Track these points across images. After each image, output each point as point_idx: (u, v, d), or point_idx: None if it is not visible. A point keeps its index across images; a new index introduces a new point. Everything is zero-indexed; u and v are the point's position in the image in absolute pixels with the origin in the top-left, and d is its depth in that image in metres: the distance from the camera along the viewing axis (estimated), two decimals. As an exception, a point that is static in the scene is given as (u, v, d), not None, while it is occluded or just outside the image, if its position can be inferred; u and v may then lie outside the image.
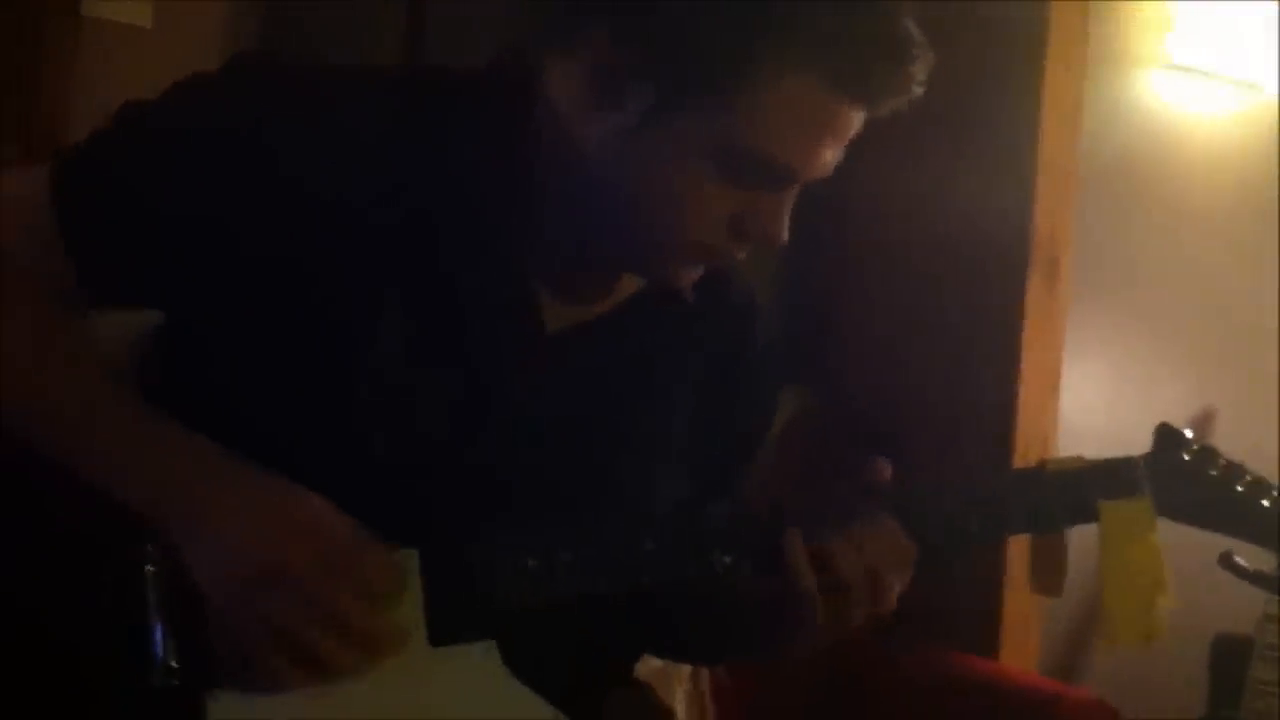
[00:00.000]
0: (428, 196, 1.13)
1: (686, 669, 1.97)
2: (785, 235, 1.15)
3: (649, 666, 1.39)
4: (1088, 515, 1.17)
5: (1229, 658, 2.37)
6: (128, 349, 1.25)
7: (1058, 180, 2.52)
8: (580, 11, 1.12)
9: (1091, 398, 2.58)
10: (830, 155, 1.13)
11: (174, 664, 1.05)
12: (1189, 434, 1.22)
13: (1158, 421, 1.22)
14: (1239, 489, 1.21)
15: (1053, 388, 2.52)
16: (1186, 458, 1.21)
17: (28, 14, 2.23)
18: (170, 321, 1.17)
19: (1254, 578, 2.21)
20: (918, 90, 1.11)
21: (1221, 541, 1.40)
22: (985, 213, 2.54)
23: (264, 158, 1.10)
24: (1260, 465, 1.25)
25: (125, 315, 1.19)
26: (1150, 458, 1.20)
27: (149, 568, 1.06)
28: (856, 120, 1.12)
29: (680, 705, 1.88)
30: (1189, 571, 1.28)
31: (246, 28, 2.46)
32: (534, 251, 1.16)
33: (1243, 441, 1.42)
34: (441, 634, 1.08)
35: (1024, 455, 2.44)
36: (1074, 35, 2.53)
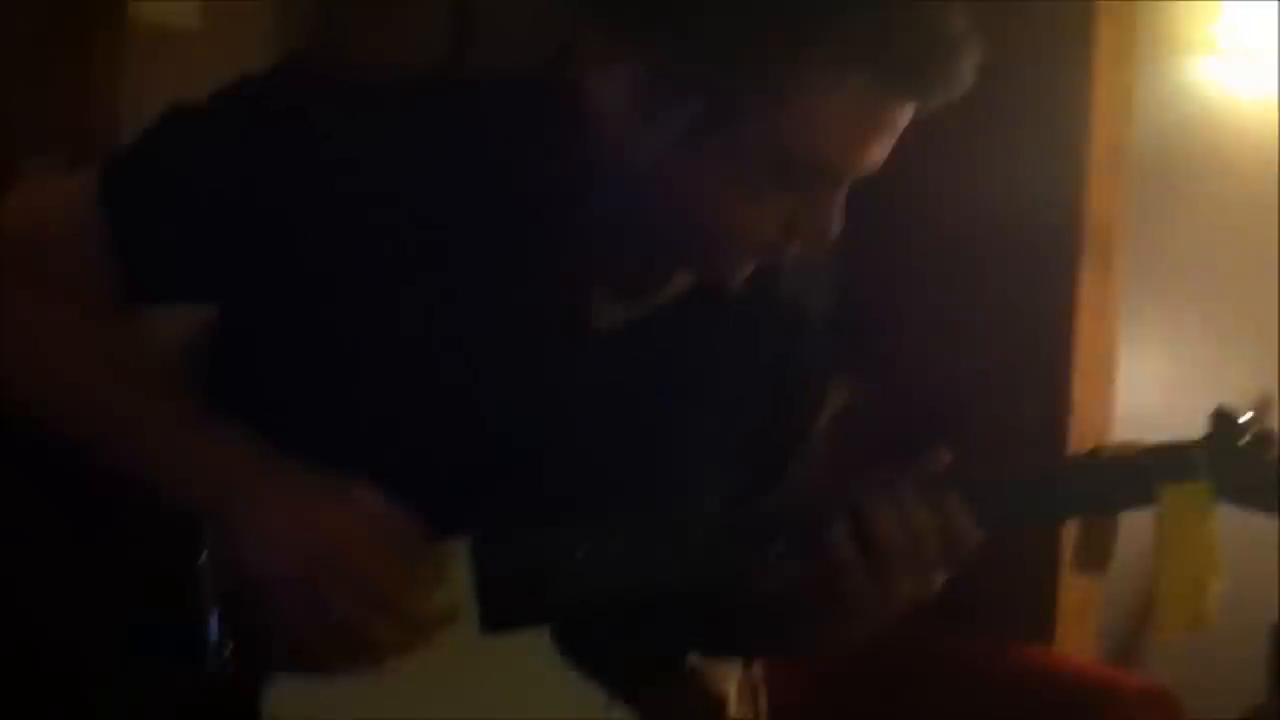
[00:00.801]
0: (476, 196, 1.14)
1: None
2: (835, 233, 1.14)
3: (702, 654, 1.39)
4: (1146, 499, 1.16)
5: (1290, 645, 2.35)
6: (179, 349, 1.26)
7: (1109, 167, 2.50)
8: (626, 21, 1.12)
9: (1146, 386, 2.55)
10: (879, 152, 1.12)
11: (228, 652, 1.06)
12: (1247, 417, 1.20)
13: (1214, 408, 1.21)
14: (1299, 473, 1.20)
15: (1107, 376, 2.50)
16: (1245, 441, 1.20)
17: (76, 19, 2.26)
18: (221, 319, 1.17)
19: (1315, 564, 2.18)
20: (967, 84, 1.11)
21: (1282, 526, 1.38)
22: (1037, 201, 2.53)
23: (311, 157, 1.10)
24: (1320, 449, 1.23)
25: (176, 314, 1.20)
26: (1208, 441, 1.19)
27: (202, 557, 1.07)
28: (906, 116, 1.12)
29: (733, 693, 1.88)
30: (1248, 558, 1.26)
31: (294, 31, 2.48)
32: (584, 253, 1.16)
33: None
34: (493, 620, 1.09)
35: (1078, 445, 2.42)
36: (1123, 22, 2.51)
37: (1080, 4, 2.48)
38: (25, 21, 2.28)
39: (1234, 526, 1.19)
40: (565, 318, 1.16)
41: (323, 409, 1.11)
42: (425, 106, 1.15)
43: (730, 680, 1.86)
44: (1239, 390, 2.55)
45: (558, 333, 1.16)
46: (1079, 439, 2.44)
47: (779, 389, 1.26)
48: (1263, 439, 1.20)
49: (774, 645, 1.42)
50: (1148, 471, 1.16)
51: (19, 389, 1.11)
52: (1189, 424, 1.23)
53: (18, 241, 1.14)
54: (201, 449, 1.08)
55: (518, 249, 1.14)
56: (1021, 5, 2.46)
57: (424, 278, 1.11)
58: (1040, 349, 2.51)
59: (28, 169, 2.16)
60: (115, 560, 1.09)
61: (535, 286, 1.15)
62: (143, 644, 1.07)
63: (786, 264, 1.23)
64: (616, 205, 1.14)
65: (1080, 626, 2.42)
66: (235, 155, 1.11)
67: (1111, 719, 2.07)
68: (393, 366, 1.11)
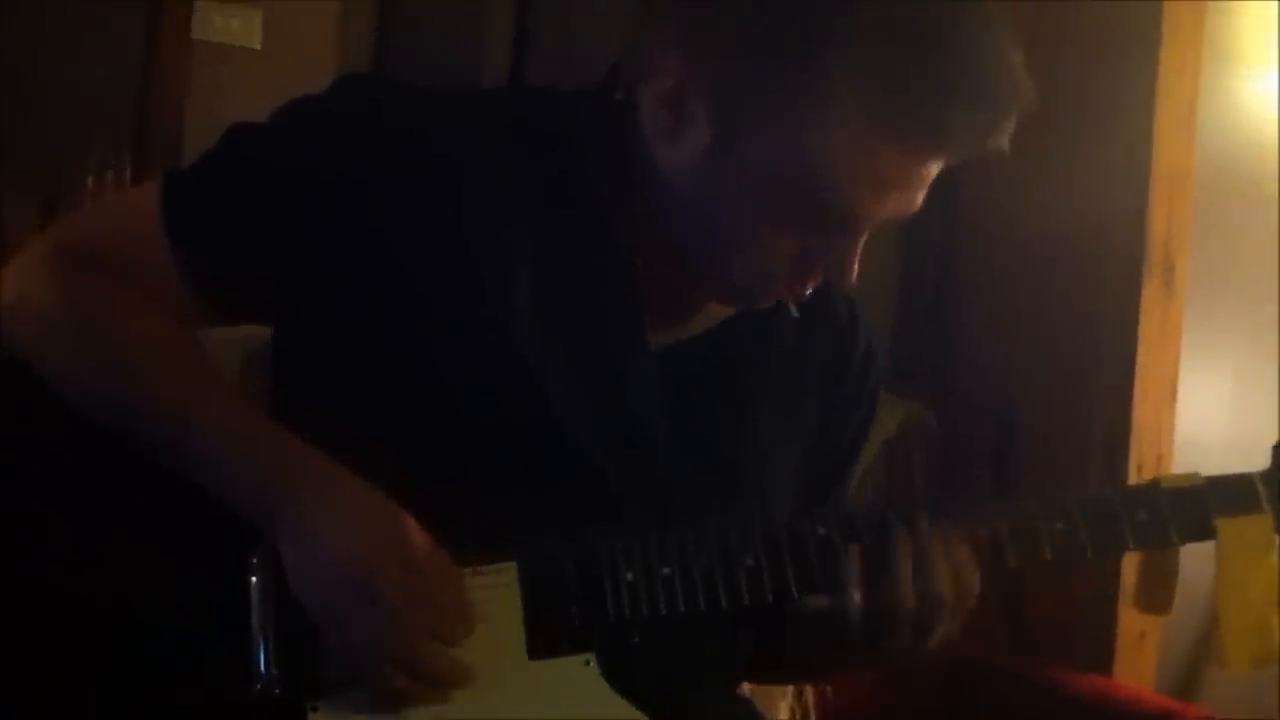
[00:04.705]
0: (534, 209, 1.14)
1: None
2: (854, 278, 1.12)
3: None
4: (1204, 533, 1.14)
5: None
6: (240, 363, 1.27)
7: (1173, 184, 2.47)
8: (656, 40, 1.11)
9: (1209, 407, 2.52)
10: (897, 204, 1.08)
11: (276, 673, 1.06)
12: (1311, 448, 1.18)
13: (1280, 431, 1.18)
14: (1363, 506, 1.17)
15: (1169, 397, 2.46)
16: (1308, 473, 1.17)
17: (140, 37, 2.29)
18: (278, 335, 1.18)
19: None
20: (1001, 136, 1.04)
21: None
22: (1100, 218, 2.50)
23: (373, 171, 1.11)
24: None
25: (237, 331, 1.21)
26: (1270, 474, 1.17)
27: (254, 578, 1.07)
28: (929, 169, 1.07)
29: (784, 717, 1.86)
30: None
31: (355, 48, 2.49)
32: (636, 267, 1.16)
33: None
34: (540, 647, 1.08)
35: (1139, 466, 2.40)
36: (1189, 37, 2.48)
37: (1145, 21, 2.45)
38: (92, 37, 2.31)
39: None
40: (624, 333, 1.16)
41: (383, 423, 1.11)
42: (483, 118, 1.15)
43: (782, 703, 1.85)
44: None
45: (618, 348, 1.15)
46: (1140, 460, 2.41)
47: (829, 408, 1.25)
48: (1326, 471, 1.18)
49: (819, 669, 1.40)
50: (1206, 505, 1.14)
51: (99, 382, 1.11)
52: (1251, 446, 1.21)
53: (95, 249, 1.15)
54: (260, 456, 1.08)
55: (575, 263, 1.14)
56: (1087, 19, 2.44)
57: (483, 293, 1.12)
58: (1102, 369, 2.48)
59: (93, 181, 2.19)
60: (169, 579, 1.09)
61: (593, 301, 1.15)
62: (194, 663, 1.07)
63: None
64: (655, 224, 1.14)
65: (1139, 657, 2.39)
66: (298, 170, 1.12)
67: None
68: (452, 384, 1.11)
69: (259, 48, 2.35)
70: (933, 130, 1.04)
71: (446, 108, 1.15)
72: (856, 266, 1.12)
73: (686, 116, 1.09)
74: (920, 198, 1.09)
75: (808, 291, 1.15)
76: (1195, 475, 1.16)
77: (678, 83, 1.09)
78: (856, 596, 1.09)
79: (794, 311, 1.20)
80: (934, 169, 1.07)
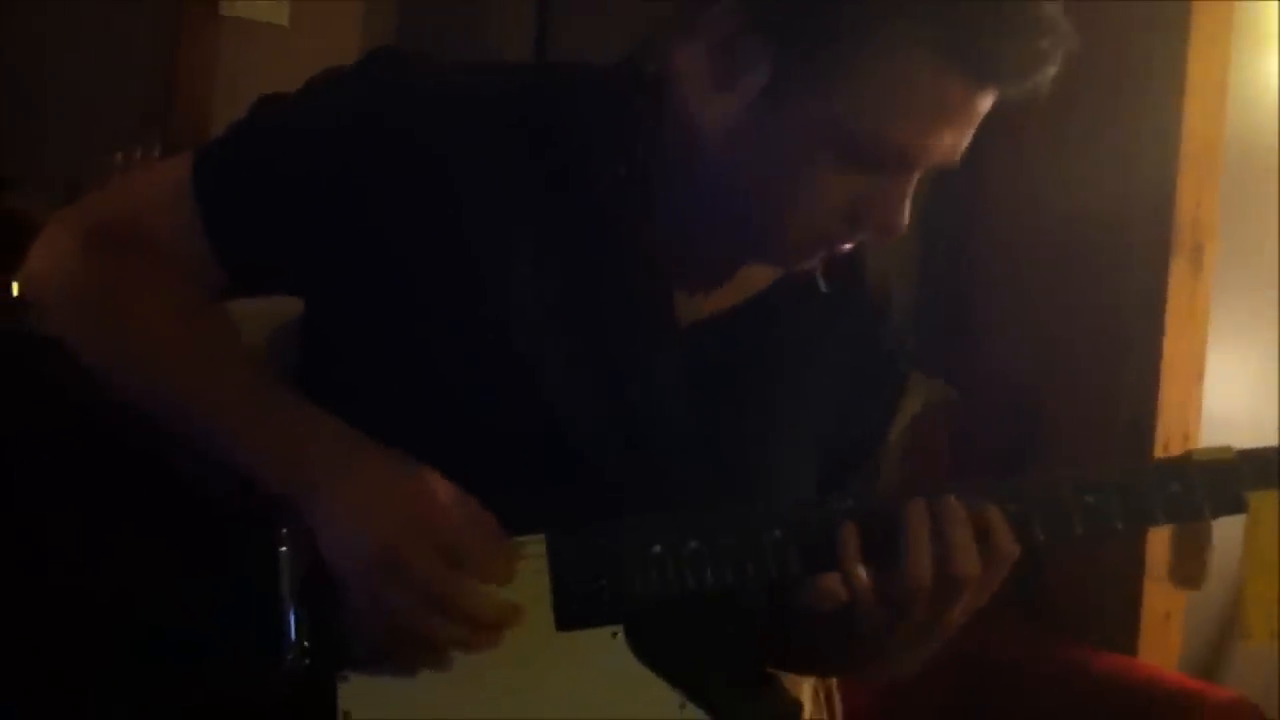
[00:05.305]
0: (559, 188, 1.14)
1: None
2: (905, 224, 1.12)
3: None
4: (1234, 506, 1.13)
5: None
6: (266, 339, 1.27)
7: (1202, 164, 2.45)
8: None
9: (1236, 387, 2.50)
10: (950, 140, 1.09)
11: (306, 645, 1.07)
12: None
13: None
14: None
15: (1196, 377, 2.45)
16: (1338, 448, 1.16)
17: (169, 14, 2.30)
18: (308, 309, 1.19)
19: None
20: (1049, 70, 1.07)
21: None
22: (1127, 197, 2.49)
23: (398, 146, 1.11)
24: None
25: (264, 306, 1.21)
26: (1300, 448, 1.16)
27: (283, 550, 1.08)
28: (981, 102, 1.08)
29: (808, 698, 1.86)
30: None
31: (381, 25, 2.50)
32: (664, 246, 1.16)
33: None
34: (569, 619, 1.09)
35: (1165, 445, 2.39)
36: (1218, 16, 2.46)
37: (1176, 2, 2.43)
38: (122, 14, 2.32)
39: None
40: (651, 313, 1.16)
41: (407, 401, 1.11)
42: (511, 95, 1.15)
43: (805, 682, 1.84)
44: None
45: (645, 327, 1.15)
46: (1167, 438, 2.40)
47: (857, 386, 1.25)
48: (1358, 446, 1.17)
49: (836, 659, 1.38)
50: (1238, 478, 1.14)
51: (124, 358, 1.12)
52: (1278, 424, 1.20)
53: (122, 222, 1.16)
54: (287, 430, 1.08)
55: (601, 242, 1.14)
56: (1116, 3, 2.42)
57: (510, 269, 1.12)
58: (1129, 350, 2.47)
59: (122, 157, 2.20)
60: (196, 554, 1.10)
61: (620, 280, 1.15)
62: (222, 637, 1.08)
63: (869, 257, 1.21)
64: (689, 188, 1.14)
65: (1164, 637, 2.38)
66: (325, 145, 1.12)
67: (1195, 728, 2.04)
68: (479, 360, 1.11)
69: (286, 24, 2.36)
70: (990, 60, 1.06)
71: (466, 90, 1.15)
72: (908, 211, 1.12)
73: (741, 63, 1.09)
74: (965, 144, 1.10)
75: (859, 241, 1.15)
76: (1227, 449, 1.15)
77: (733, 30, 1.09)
78: (868, 573, 1.08)
79: (823, 286, 1.20)
80: (985, 105, 1.09)
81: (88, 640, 1.08)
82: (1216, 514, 1.13)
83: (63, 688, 1.07)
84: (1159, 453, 2.38)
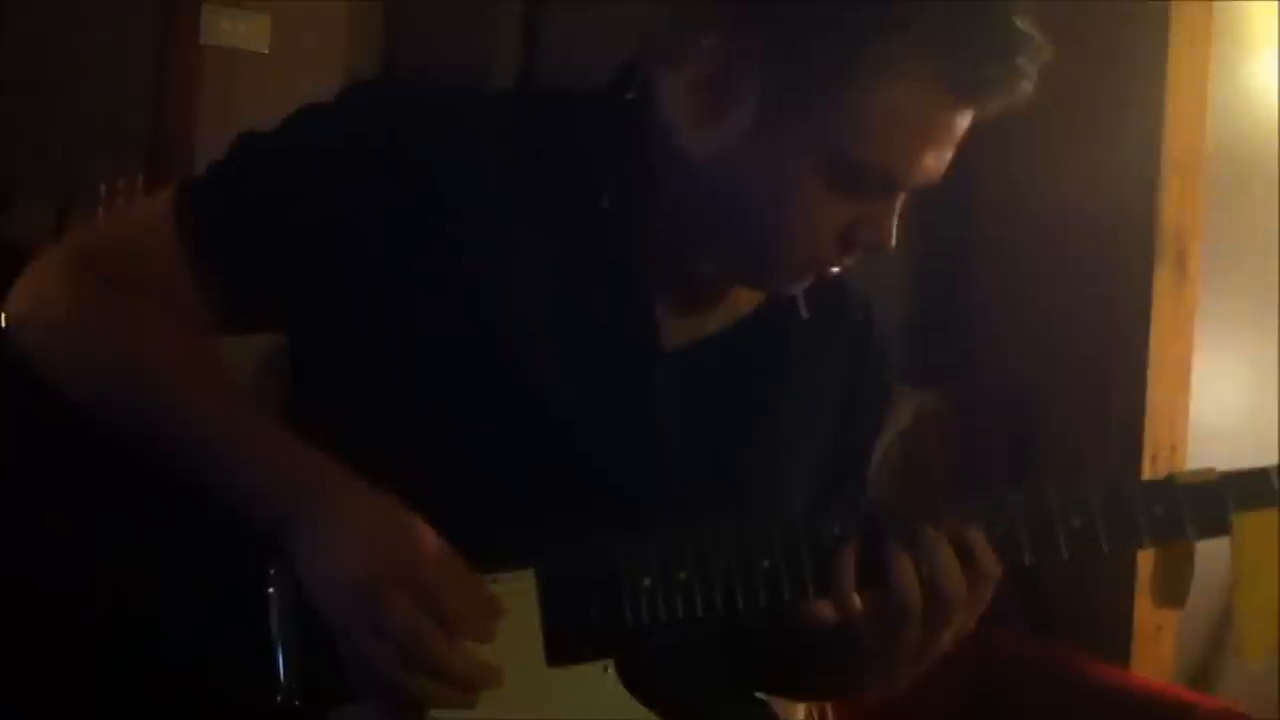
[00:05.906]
0: (545, 214, 1.14)
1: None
2: (893, 244, 1.13)
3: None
4: (1219, 528, 1.14)
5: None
6: (252, 372, 1.27)
7: (1185, 170, 2.46)
8: (688, 23, 1.12)
9: (1223, 394, 2.51)
10: (935, 161, 1.11)
11: (295, 684, 1.07)
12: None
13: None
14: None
15: (1183, 384, 2.46)
16: (1324, 466, 1.17)
17: (152, 43, 2.30)
18: (294, 343, 1.19)
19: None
20: (1027, 86, 1.09)
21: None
22: (1111, 204, 2.50)
23: (384, 174, 1.11)
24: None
25: (250, 340, 1.21)
26: (1285, 467, 1.16)
27: (271, 589, 1.08)
28: (964, 122, 1.10)
29: (800, 718, 1.87)
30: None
31: (363, 52, 2.50)
32: (650, 268, 1.16)
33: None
34: (559, 654, 1.09)
35: (1153, 454, 2.39)
36: (1198, 22, 2.47)
37: (1155, 8, 2.44)
38: (103, 44, 2.32)
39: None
40: (637, 336, 1.16)
41: (396, 428, 1.11)
42: (493, 122, 1.16)
43: (798, 711, 1.85)
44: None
45: (631, 351, 1.16)
46: (1155, 446, 2.40)
47: (845, 402, 1.26)
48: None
49: (828, 683, 1.38)
50: (1223, 498, 1.14)
51: (113, 392, 1.11)
52: (1265, 430, 1.20)
53: (109, 259, 1.16)
54: (273, 461, 1.08)
55: (586, 267, 1.15)
56: (1097, 5, 2.43)
57: (497, 295, 1.12)
58: (1116, 354, 2.48)
59: (107, 187, 2.20)
60: (187, 587, 1.09)
61: (606, 304, 1.15)
62: (213, 671, 1.08)
63: (855, 276, 1.22)
64: (678, 214, 1.14)
65: (1157, 649, 2.38)
66: (311, 174, 1.12)
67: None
68: (466, 386, 1.11)
69: (267, 51, 2.36)
70: (974, 81, 1.08)
71: (451, 118, 1.15)
72: (895, 231, 1.13)
73: (730, 96, 1.09)
74: (947, 163, 1.12)
75: (850, 264, 1.16)
76: (1210, 470, 1.15)
77: (720, 63, 1.09)
78: (858, 598, 1.09)
79: (804, 312, 1.20)
80: (966, 123, 1.11)
81: (72, 674, 1.08)
82: (1200, 537, 1.14)
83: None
84: (1148, 458, 2.38)
